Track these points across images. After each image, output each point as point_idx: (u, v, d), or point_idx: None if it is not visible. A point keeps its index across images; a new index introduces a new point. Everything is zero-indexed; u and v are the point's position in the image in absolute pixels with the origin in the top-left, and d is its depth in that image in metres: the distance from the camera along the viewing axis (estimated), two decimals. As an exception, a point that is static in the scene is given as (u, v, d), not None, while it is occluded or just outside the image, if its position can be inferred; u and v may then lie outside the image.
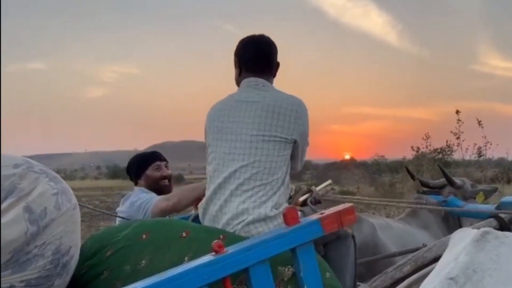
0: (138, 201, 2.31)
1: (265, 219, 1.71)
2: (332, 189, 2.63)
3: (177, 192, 2.33)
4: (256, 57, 1.96)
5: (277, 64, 2.02)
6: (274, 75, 2.03)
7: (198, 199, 2.07)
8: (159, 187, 2.52)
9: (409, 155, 10.06)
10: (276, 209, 1.75)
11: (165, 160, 2.62)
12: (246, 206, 1.73)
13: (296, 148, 1.90)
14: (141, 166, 2.56)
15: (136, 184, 2.58)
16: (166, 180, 2.56)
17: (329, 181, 2.58)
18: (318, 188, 2.49)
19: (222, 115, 1.90)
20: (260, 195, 1.75)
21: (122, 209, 2.38)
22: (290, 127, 1.83)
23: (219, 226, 1.76)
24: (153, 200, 2.28)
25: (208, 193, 1.85)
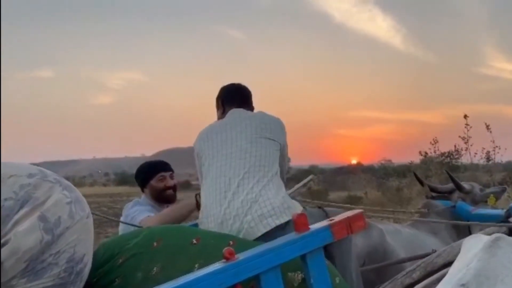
0: (129, 215, 2.37)
1: (273, 208, 1.83)
2: (312, 181, 2.70)
3: (166, 211, 2.38)
4: (238, 95, 2.26)
5: (253, 108, 2.28)
6: None
7: (181, 219, 2.21)
8: (163, 197, 2.56)
9: (416, 159, 10.02)
10: (280, 196, 1.88)
11: (170, 170, 2.65)
12: (251, 197, 1.84)
13: (281, 154, 2.08)
14: (147, 176, 2.60)
15: (143, 192, 2.62)
16: (171, 190, 2.59)
17: (310, 176, 2.64)
18: (300, 184, 2.55)
19: (214, 132, 2.07)
20: (262, 184, 1.88)
21: (122, 218, 2.43)
22: (277, 133, 2.06)
23: (228, 226, 1.82)
24: (140, 217, 2.32)
25: (209, 200, 1.93)
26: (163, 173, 2.60)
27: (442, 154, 9.57)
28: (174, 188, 2.61)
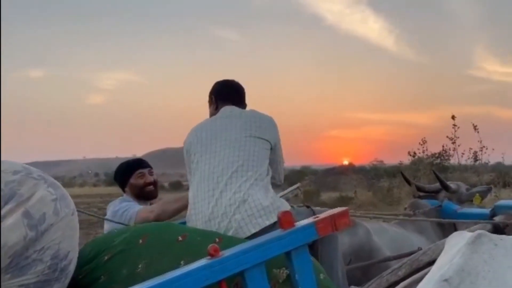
0: (120, 210, 2.36)
1: (263, 208, 1.83)
2: (299, 189, 2.67)
3: (160, 203, 2.39)
4: (232, 92, 2.25)
5: (246, 105, 2.28)
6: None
7: (181, 210, 2.19)
8: (144, 194, 2.56)
9: (406, 160, 10.09)
10: (269, 196, 1.89)
11: (148, 166, 2.65)
12: (239, 196, 1.84)
13: (274, 153, 2.08)
14: (125, 175, 2.60)
15: (124, 192, 2.61)
16: (151, 186, 2.58)
17: (297, 184, 2.62)
18: (285, 191, 2.55)
19: (205, 130, 2.07)
20: (249, 184, 1.87)
21: (109, 216, 2.42)
22: (268, 131, 2.05)
23: (215, 224, 1.82)
24: (135, 209, 2.32)
25: (197, 197, 1.93)
26: (141, 170, 2.60)
27: (433, 155, 9.65)
28: (154, 184, 2.61)
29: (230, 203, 1.83)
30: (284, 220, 1.42)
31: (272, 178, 2.08)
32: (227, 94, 2.23)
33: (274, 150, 2.08)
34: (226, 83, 2.29)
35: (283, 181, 2.24)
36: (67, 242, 1.39)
